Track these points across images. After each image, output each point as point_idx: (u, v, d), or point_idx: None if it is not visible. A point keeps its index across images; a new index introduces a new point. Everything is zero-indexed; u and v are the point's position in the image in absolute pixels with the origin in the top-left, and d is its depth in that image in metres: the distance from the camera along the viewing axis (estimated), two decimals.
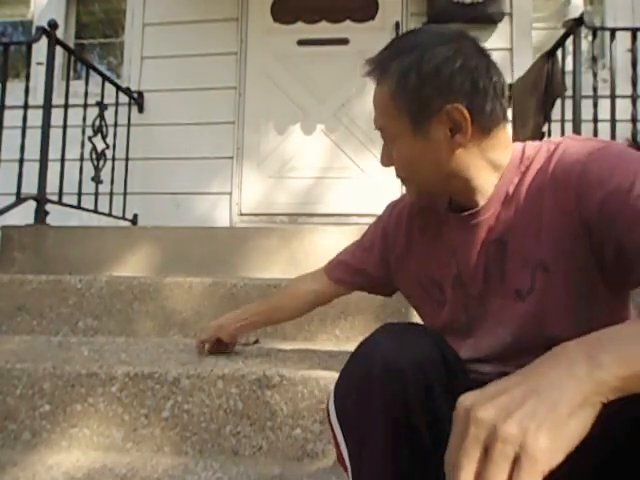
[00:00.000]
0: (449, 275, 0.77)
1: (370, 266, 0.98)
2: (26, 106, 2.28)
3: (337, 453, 0.65)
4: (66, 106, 2.40)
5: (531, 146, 0.71)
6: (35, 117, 2.28)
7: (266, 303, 1.22)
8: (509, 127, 0.74)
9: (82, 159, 2.53)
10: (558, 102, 2.44)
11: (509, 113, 2.56)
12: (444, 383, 0.60)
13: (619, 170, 0.59)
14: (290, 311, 1.18)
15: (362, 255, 1.00)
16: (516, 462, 0.35)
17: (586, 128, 2.12)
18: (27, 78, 2.31)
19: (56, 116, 2.34)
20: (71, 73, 2.51)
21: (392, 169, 0.76)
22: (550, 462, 0.35)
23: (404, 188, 0.79)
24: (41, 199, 2.25)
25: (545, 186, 0.66)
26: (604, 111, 2.16)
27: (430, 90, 0.65)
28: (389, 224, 0.91)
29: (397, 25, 3.07)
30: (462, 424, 0.38)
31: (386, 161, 0.74)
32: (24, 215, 2.23)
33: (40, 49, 2.55)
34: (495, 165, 0.70)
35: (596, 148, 0.63)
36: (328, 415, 0.66)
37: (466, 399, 0.39)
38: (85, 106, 2.52)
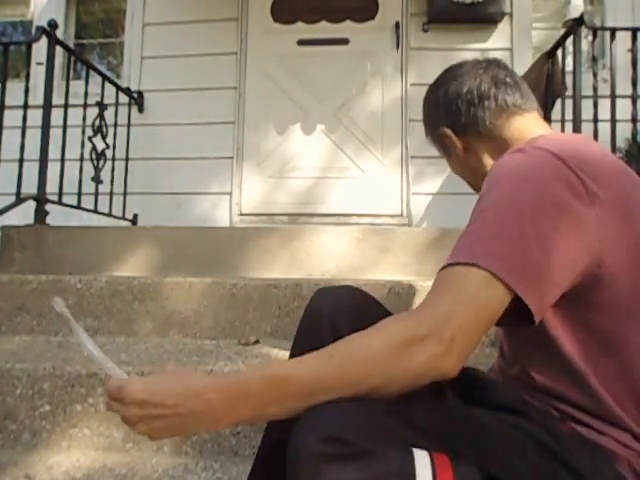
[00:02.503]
0: None
1: None
2: (26, 106, 2.28)
3: None
4: (66, 106, 2.40)
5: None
6: (35, 117, 2.28)
7: None
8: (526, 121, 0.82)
9: (82, 159, 2.53)
10: (558, 102, 2.44)
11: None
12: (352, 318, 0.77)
13: (490, 190, 0.64)
14: None
15: None
16: None
17: (586, 128, 2.12)
18: (27, 78, 2.31)
19: (56, 116, 2.34)
20: (71, 73, 2.51)
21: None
22: None
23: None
24: (41, 199, 2.25)
25: None
26: (604, 111, 2.16)
27: (428, 126, 0.88)
28: None
29: (397, 25, 3.07)
30: None
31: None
32: (24, 215, 2.23)
33: (40, 49, 2.55)
34: None
35: (500, 162, 0.68)
36: None
37: None
38: (85, 106, 2.52)
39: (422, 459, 0.51)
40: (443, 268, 0.60)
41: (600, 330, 0.62)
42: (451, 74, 0.83)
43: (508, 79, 0.78)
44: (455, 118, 0.80)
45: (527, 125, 0.76)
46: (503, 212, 0.59)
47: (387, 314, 0.83)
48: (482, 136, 0.78)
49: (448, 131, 0.81)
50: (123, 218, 2.92)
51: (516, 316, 0.58)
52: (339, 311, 0.81)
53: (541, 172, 0.61)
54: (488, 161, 0.79)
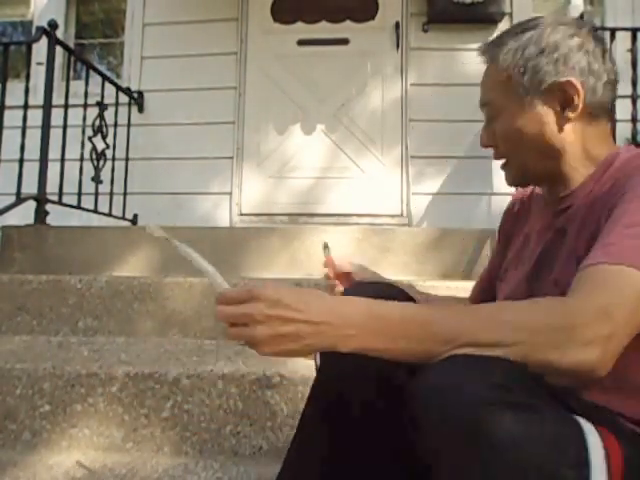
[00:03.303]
0: (515, 256, 0.82)
1: (496, 254, 0.93)
2: (26, 106, 2.28)
3: None
4: (66, 106, 2.40)
5: (626, 150, 0.72)
6: (35, 117, 2.28)
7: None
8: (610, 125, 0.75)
9: (82, 159, 2.53)
10: None
11: None
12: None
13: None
14: None
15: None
16: None
17: None
18: (27, 78, 2.31)
19: (56, 116, 2.34)
20: (71, 73, 2.51)
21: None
22: None
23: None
24: (41, 199, 2.25)
25: (610, 190, 0.68)
26: None
27: (547, 62, 0.68)
28: (508, 206, 0.92)
29: (397, 25, 3.07)
30: None
31: (486, 140, 0.76)
32: (24, 215, 2.23)
33: (40, 49, 2.55)
34: (590, 157, 0.71)
35: None
36: None
37: None
38: (85, 106, 2.52)
39: (587, 426, 0.48)
40: (595, 264, 0.57)
41: None
42: (594, 34, 0.71)
43: None
44: (594, 78, 0.68)
45: (610, 132, 0.75)
46: None
47: None
48: (590, 120, 0.71)
49: (579, 87, 0.67)
50: (123, 218, 2.92)
51: None
52: None
53: None
54: (573, 147, 0.71)
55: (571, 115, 0.69)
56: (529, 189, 0.88)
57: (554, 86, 0.68)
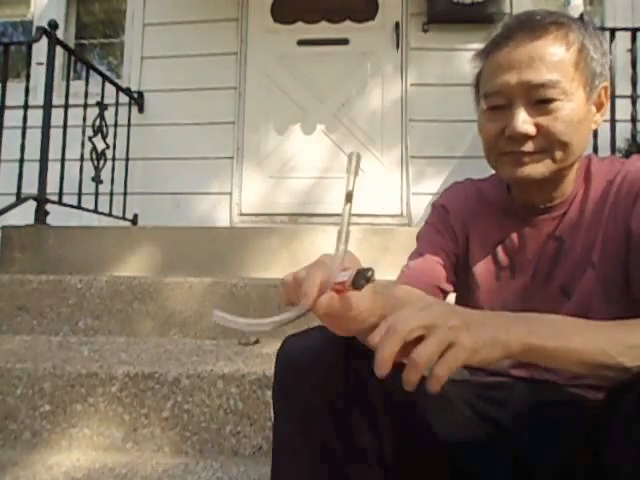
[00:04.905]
0: (491, 264, 0.78)
1: (445, 246, 0.83)
2: (26, 106, 2.28)
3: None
4: (66, 106, 2.40)
5: (596, 158, 0.75)
6: (35, 117, 2.28)
7: None
8: None
9: (82, 159, 2.53)
10: None
11: None
12: (348, 387, 0.60)
13: None
14: None
15: (434, 239, 0.85)
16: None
17: None
18: (27, 78, 2.31)
19: (56, 116, 2.34)
20: (71, 73, 2.51)
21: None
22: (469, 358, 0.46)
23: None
24: (41, 199, 2.25)
25: (609, 195, 0.70)
26: None
27: (603, 62, 0.69)
28: (449, 201, 0.86)
29: (397, 25, 3.07)
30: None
31: (532, 127, 0.66)
32: (24, 215, 2.23)
33: (40, 49, 2.55)
34: (577, 163, 0.72)
35: None
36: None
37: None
38: (85, 106, 2.52)
39: None
40: None
41: None
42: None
43: None
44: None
45: None
46: None
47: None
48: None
49: (608, 93, 0.72)
50: (123, 218, 2.92)
51: None
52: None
53: None
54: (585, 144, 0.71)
55: (600, 119, 0.71)
56: (465, 187, 0.85)
57: (599, 88, 0.69)
